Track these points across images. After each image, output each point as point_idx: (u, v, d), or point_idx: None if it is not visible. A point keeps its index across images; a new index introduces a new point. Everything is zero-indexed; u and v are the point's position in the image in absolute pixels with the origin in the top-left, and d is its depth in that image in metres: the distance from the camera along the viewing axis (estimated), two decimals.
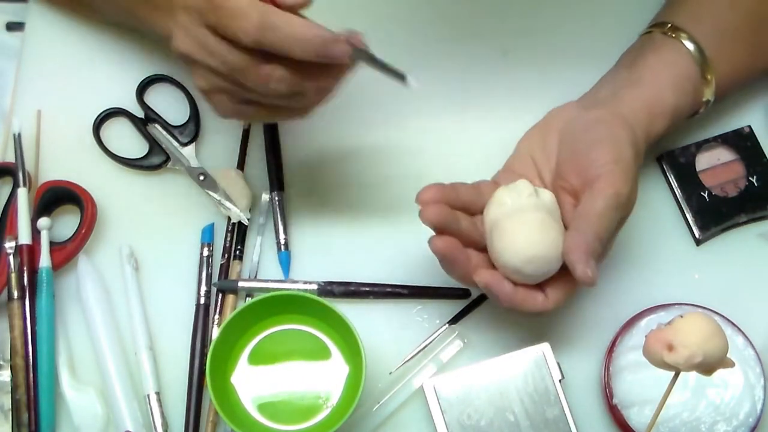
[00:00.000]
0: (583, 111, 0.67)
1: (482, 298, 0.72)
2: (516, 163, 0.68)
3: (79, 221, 0.72)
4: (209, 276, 0.72)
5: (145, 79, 0.77)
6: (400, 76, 0.58)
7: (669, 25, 0.71)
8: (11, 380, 0.68)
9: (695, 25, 0.70)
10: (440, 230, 0.62)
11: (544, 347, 0.67)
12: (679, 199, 0.75)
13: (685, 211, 0.75)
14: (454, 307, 0.72)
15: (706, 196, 0.75)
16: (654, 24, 0.73)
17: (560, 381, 0.67)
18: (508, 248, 0.62)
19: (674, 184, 0.75)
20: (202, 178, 0.75)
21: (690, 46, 0.69)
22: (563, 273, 0.62)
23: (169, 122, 0.76)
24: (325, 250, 0.74)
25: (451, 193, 0.64)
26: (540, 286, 0.63)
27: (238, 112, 0.62)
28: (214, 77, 0.59)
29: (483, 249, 0.65)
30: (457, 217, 0.63)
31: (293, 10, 0.57)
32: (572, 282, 0.62)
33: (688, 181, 0.75)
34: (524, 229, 0.61)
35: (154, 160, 0.75)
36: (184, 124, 0.76)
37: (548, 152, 0.67)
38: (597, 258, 0.60)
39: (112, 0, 0.71)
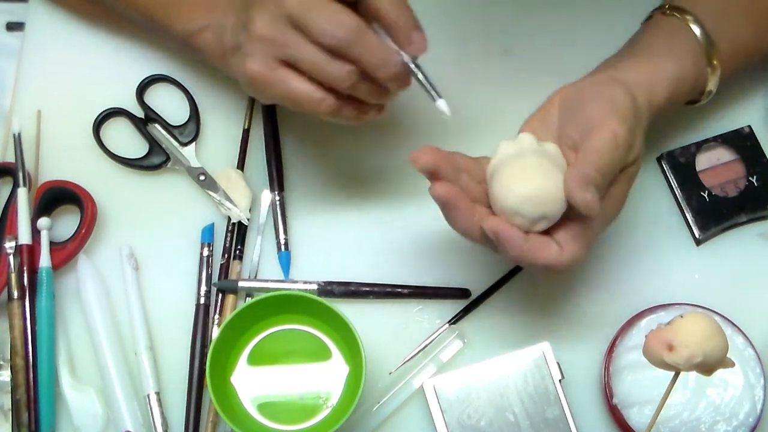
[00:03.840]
0: (579, 83, 0.66)
1: (482, 298, 0.72)
2: None
3: (79, 221, 0.72)
4: (209, 276, 0.72)
5: (145, 79, 0.77)
6: (433, 96, 0.63)
7: (668, 6, 0.70)
8: (11, 380, 0.68)
9: (694, 4, 0.70)
10: (437, 177, 0.60)
11: (544, 347, 0.68)
12: (679, 199, 0.75)
13: (685, 211, 0.75)
14: (454, 307, 0.72)
15: (706, 196, 0.75)
16: (654, 9, 0.73)
17: (560, 381, 0.67)
18: (505, 188, 0.59)
19: (674, 184, 0.75)
20: (202, 178, 0.75)
21: (694, 26, 0.68)
22: (576, 223, 0.60)
23: (169, 122, 0.76)
24: (325, 250, 0.74)
25: (448, 155, 0.62)
26: (552, 236, 0.60)
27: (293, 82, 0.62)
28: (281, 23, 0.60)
29: (487, 207, 0.62)
30: (457, 168, 0.61)
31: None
32: (586, 231, 0.60)
33: (688, 181, 0.75)
34: (522, 169, 0.60)
35: (154, 160, 0.75)
36: (184, 124, 0.76)
37: (549, 125, 0.65)
38: (598, 188, 0.58)
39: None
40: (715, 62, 0.69)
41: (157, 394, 0.69)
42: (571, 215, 0.60)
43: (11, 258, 0.70)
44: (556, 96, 0.66)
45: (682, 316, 0.55)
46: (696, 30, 0.68)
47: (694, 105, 0.73)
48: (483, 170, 0.63)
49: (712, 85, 0.70)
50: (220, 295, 0.72)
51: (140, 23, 0.74)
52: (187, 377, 0.69)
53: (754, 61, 0.74)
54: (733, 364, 0.57)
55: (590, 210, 0.58)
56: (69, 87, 0.78)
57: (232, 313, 0.68)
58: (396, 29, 0.61)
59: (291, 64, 0.61)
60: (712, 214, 0.74)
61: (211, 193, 0.74)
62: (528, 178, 0.59)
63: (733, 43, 0.70)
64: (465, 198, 0.60)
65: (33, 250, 0.71)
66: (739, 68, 0.72)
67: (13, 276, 0.69)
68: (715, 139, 0.76)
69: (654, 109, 0.66)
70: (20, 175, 0.72)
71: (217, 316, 0.71)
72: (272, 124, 0.76)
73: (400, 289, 0.72)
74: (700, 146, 0.76)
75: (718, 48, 0.69)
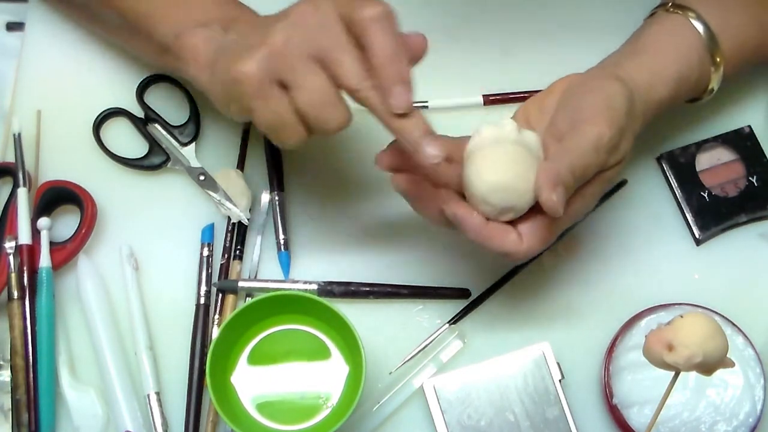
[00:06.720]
0: (583, 74, 0.66)
1: (482, 298, 0.72)
2: None
3: (79, 221, 0.72)
4: (209, 276, 0.72)
5: (145, 79, 0.77)
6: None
7: (671, 3, 0.70)
8: (11, 380, 0.68)
9: (697, 1, 0.69)
10: (399, 171, 0.60)
11: (544, 347, 0.68)
12: (679, 199, 0.75)
13: (685, 211, 0.75)
14: (454, 307, 0.72)
15: (706, 196, 0.75)
16: (657, 6, 0.72)
17: (560, 381, 0.67)
18: (476, 174, 0.59)
19: (674, 184, 0.75)
20: (202, 178, 0.75)
21: (697, 23, 0.68)
22: (540, 216, 0.60)
23: (169, 122, 0.76)
24: (325, 250, 0.74)
25: None
26: (515, 226, 0.60)
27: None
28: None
29: (460, 191, 0.62)
30: None
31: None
32: (549, 227, 0.60)
33: (688, 181, 0.75)
34: (495, 157, 0.59)
35: (154, 160, 0.75)
36: (184, 124, 0.76)
37: (545, 111, 0.65)
38: (567, 189, 0.58)
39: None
40: (718, 59, 0.69)
41: (157, 394, 0.69)
42: (537, 207, 0.60)
43: (11, 258, 0.70)
44: (559, 84, 0.66)
45: (682, 316, 0.55)
46: (699, 27, 0.68)
47: (694, 103, 0.73)
48: (463, 150, 0.62)
49: (714, 82, 0.70)
50: (220, 295, 0.72)
51: (120, 26, 0.72)
52: (187, 377, 0.69)
53: (758, 58, 0.74)
54: (733, 364, 0.57)
55: (553, 211, 0.58)
56: (69, 87, 0.78)
57: (232, 313, 0.68)
58: (385, 78, 0.58)
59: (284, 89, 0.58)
60: (712, 214, 0.74)
61: (211, 193, 0.74)
62: (500, 168, 0.59)
63: (736, 40, 0.70)
64: (426, 187, 0.60)
65: (33, 250, 0.71)
66: (742, 66, 0.72)
67: (13, 276, 0.69)
68: (715, 139, 0.76)
69: (653, 109, 0.66)
70: (20, 175, 0.72)
71: (217, 316, 0.71)
72: None
73: (400, 289, 0.72)
74: (700, 146, 0.76)
75: (721, 45, 0.69)
